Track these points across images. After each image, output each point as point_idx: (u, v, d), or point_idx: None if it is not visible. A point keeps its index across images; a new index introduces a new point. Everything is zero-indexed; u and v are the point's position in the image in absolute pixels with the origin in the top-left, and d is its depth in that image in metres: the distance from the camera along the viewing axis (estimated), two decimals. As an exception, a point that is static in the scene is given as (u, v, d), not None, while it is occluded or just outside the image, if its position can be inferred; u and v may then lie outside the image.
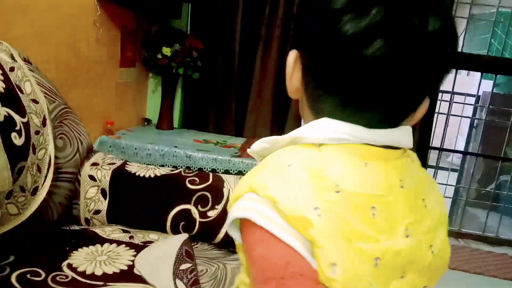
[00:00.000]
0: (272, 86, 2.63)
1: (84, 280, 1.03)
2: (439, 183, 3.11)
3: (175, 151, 2.01)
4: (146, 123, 2.59)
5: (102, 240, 1.24)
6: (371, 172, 0.52)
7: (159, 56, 2.40)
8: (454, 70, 2.83)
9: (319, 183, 0.49)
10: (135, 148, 2.04)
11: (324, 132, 0.53)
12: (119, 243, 1.23)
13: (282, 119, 2.70)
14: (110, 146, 2.06)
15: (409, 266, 0.53)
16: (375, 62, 0.47)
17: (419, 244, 0.54)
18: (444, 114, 2.94)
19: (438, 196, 0.60)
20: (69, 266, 1.08)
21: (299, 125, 0.57)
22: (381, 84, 0.49)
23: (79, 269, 1.07)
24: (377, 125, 0.52)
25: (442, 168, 3.89)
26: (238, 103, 2.62)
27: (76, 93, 1.85)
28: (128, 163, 1.42)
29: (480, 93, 3.69)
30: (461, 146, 3.90)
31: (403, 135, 0.55)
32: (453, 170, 3.66)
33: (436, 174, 3.05)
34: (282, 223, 0.47)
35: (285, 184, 0.49)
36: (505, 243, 2.93)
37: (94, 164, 1.40)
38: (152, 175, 1.37)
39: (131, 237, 1.28)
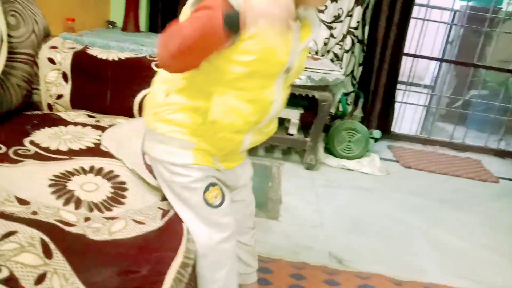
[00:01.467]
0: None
1: (48, 154, 0.99)
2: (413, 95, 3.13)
3: (142, 49, 1.91)
4: (110, 25, 2.44)
5: (66, 122, 1.19)
6: None
7: None
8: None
9: None
10: (99, 46, 1.93)
11: None
12: (84, 125, 1.18)
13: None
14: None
15: None
16: None
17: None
18: (421, 19, 2.88)
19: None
20: (32, 142, 1.04)
21: None
22: None
23: (42, 145, 1.03)
24: None
25: (414, 84, 3.91)
26: None
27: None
28: (89, 47, 1.34)
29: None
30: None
31: None
32: (427, 86, 3.70)
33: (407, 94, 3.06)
34: None
35: None
36: (470, 149, 3.05)
37: (53, 47, 1.30)
38: (116, 58, 1.29)
39: (97, 121, 1.23)
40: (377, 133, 2.49)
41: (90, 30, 2.21)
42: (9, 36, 1.17)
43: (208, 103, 0.77)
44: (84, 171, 0.95)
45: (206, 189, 0.84)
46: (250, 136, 0.85)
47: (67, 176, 0.90)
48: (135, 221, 0.81)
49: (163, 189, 0.89)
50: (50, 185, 0.87)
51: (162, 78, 0.84)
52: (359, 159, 2.41)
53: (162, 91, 0.81)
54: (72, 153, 1.01)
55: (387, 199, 2.07)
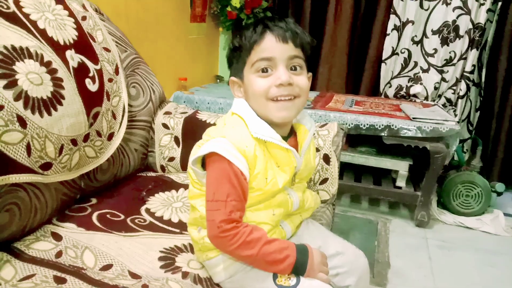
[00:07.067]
0: (347, 34, 2.46)
1: (161, 225, 1.03)
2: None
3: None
4: (218, 80, 2.57)
5: (177, 186, 1.24)
6: None
7: (229, 8, 2.34)
8: None
9: None
10: (208, 103, 2.04)
11: None
12: (193, 189, 1.22)
13: (358, 72, 2.53)
14: (184, 101, 2.07)
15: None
16: None
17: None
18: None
19: None
20: (147, 210, 1.09)
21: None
22: None
23: (156, 214, 1.08)
24: None
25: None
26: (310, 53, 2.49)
27: (147, 47, 1.86)
28: (199, 111, 1.40)
29: None
30: None
31: None
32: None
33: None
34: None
35: None
36: None
37: (167, 113, 1.39)
38: (224, 123, 1.33)
39: (204, 184, 1.26)
40: (500, 186, 2.20)
41: (200, 86, 2.35)
42: (129, 105, 1.28)
43: None
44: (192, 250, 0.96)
45: (275, 276, 0.81)
46: (287, 223, 0.91)
47: (176, 251, 0.92)
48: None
49: None
50: (160, 258, 0.89)
51: (191, 219, 0.91)
52: (480, 215, 2.15)
53: (195, 229, 0.89)
54: (182, 227, 1.03)
55: (517, 267, 1.80)
